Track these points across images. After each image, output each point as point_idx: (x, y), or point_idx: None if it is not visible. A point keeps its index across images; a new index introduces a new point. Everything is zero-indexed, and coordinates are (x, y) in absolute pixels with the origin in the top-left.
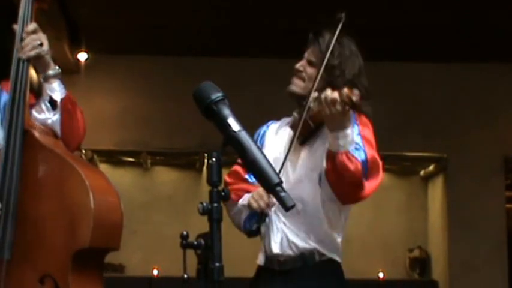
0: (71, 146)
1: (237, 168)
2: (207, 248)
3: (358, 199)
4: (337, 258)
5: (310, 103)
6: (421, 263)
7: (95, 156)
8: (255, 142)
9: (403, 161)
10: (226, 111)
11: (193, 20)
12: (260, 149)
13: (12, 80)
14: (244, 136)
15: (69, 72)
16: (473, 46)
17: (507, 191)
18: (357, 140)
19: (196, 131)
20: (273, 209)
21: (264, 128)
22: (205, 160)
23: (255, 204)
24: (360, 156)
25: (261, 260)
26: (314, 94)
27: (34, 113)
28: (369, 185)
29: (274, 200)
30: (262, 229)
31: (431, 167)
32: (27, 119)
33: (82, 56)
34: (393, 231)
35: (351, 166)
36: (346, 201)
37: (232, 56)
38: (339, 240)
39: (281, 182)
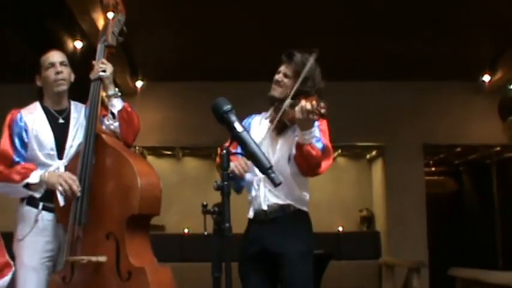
0: (128, 141)
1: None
2: (220, 214)
3: (317, 174)
4: (306, 209)
5: (286, 107)
6: (368, 220)
7: (145, 151)
8: (253, 139)
9: (354, 149)
10: (233, 118)
11: (212, 57)
12: (256, 144)
13: (89, 98)
14: (246, 135)
15: (129, 95)
16: (399, 68)
17: (425, 167)
18: (316, 133)
19: (212, 132)
20: (262, 180)
21: (249, 120)
22: (219, 152)
23: (236, 169)
24: (318, 145)
25: (250, 214)
26: (289, 101)
27: (105, 120)
28: (324, 164)
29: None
30: (253, 193)
31: (374, 153)
32: (98, 126)
33: (139, 83)
34: (348, 198)
35: (314, 153)
36: (308, 176)
37: (238, 80)
38: (307, 197)
39: (271, 166)
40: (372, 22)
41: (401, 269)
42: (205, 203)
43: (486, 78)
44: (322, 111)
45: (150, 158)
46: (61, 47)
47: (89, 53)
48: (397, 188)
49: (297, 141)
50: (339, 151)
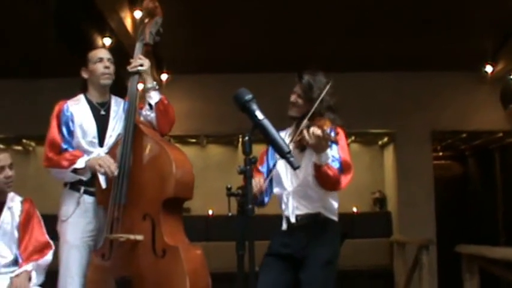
0: (164, 131)
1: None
2: (243, 196)
3: (337, 189)
4: (335, 218)
5: (304, 128)
6: (380, 201)
7: (171, 139)
8: (273, 126)
9: (367, 135)
10: (255, 106)
11: (232, 51)
12: (276, 131)
13: (128, 91)
14: (267, 123)
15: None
16: (408, 60)
17: (433, 152)
18: (334, 153)
19: (234, 120)
20: (291, 193)
21: None
22: (240, 139)
23: (254, 189)
24: (335, 165)
25: (284, 227)
26: (305, 122)
27: (142, 111)
28: (344, 180)
29: (264, 187)
30: (283, 206)
31: (385, 139)
32: (136, 117)
33: (164, 76)
34: (362, 181)
35: (330, 173)
36: (329, 191)
37: (258, 72)
38: (335, 206)
39: (290, 151)
40: (381, 18)
41: (411, 246)
42: (229, 186)
43: (489, 69)
44: (332, 138)
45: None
46: (91, 44)
47: (116, 49)
48: (408, 171)
49: (313, 162)
50: (353, 138)
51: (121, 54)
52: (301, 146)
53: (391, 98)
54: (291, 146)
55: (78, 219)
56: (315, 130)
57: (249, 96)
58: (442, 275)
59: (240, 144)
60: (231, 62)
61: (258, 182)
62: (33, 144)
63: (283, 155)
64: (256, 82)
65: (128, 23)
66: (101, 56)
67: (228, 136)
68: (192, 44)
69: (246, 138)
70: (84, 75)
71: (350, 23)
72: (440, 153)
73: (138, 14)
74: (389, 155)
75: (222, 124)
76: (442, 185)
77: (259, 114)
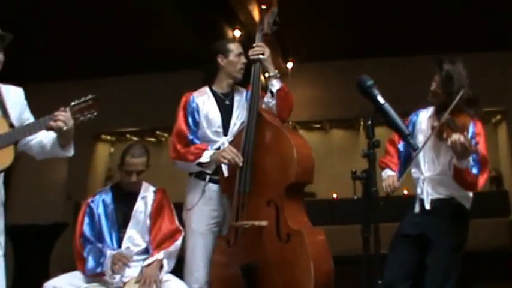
0: (284, 117)
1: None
2: (368, 179)
3: (474, 191)
4: (467, 205)
5: (444, 120)
6: (497, 180)
7: (296, 125)
8: (393, 110)
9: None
10: (376, 91)
11: (354, 38)
12: (397, 114)
13: (251, 79)
14: (388, 107)
15: (281, 76)
16: None
17: None
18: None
19: (356, 105)
20: (427, 179)
21: (415, 117)
22: (361, 123)
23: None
24: (474, 171)
25: (417, 209)
26: (446, 116)
27: (264, 99)
28: (481, 180)
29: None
30: (418, 190)
31: (498, 117)
32: (259, 105)
33: (289, 65)
34: None
35: (469, 179)
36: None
37: (373, 57)
38: (470, 194)
39: (410, 133)
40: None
41: None
42: (354, 170)
43: None
44: (474, 148)
45: (301, 132)
46: (222, 36)
47: (246, 41)
48: None
49: (453, 163)
50: None
51: (250, 46)
52: (440, 136)
53: (501, 77)
54: (431, 137)
55: (203, 207)
56: (460, 138)
57: (370, 82)
58: None
59: (361, 128)
60: (353, 49)
61: (391, 182)
62: (165, 135)
63: (404, 136)
64: (374, 67)
65: (256, 15)
66: (241, 51)
67: (350, 120)
68: (315, 34)
69: (369, 122)
70: (221, 63)
71: (454, 6)
72: None
73: (265, 7)
74: (502, 133)
75: (344, 109)
76: None
77: (381, 99)
